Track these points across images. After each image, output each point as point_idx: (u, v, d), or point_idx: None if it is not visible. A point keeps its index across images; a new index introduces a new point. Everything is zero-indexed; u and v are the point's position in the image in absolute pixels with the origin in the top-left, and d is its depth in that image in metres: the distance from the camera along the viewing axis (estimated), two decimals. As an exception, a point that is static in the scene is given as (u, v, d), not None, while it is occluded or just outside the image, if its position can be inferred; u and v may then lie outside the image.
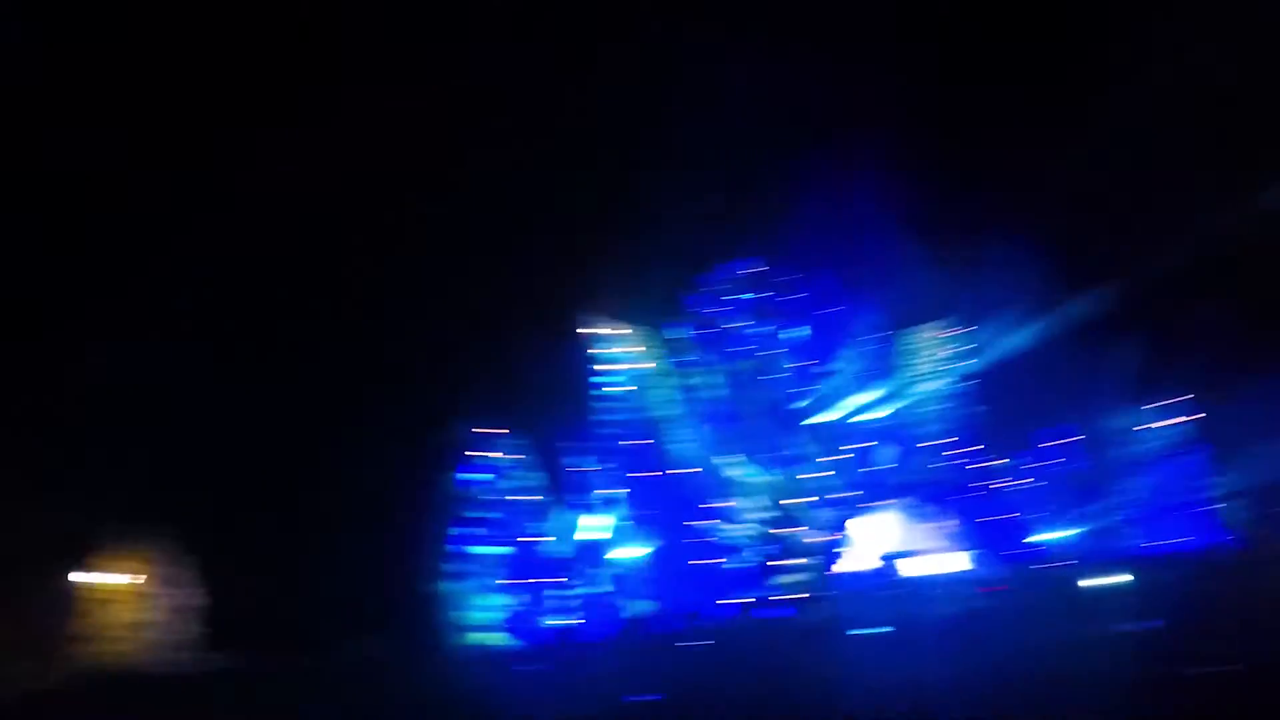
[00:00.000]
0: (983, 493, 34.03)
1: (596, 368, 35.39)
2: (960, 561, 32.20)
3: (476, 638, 28.44)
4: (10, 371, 26.88)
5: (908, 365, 39.02)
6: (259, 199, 31.07)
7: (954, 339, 38.82)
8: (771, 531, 33.79)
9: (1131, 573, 24.03)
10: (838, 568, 32.29)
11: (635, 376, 35.63)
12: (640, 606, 30.19)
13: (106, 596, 26.18)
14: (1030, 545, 32.75)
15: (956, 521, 33.85)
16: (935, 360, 38.15)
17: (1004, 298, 36.60)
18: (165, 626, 26.86)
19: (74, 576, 25.87)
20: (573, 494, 34.44)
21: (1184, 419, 32.16)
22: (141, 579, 27.19)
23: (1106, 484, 33.99)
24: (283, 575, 28.53)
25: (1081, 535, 33.28)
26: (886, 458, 35.47)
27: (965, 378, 38.41)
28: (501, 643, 28.38)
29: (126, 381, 29.53)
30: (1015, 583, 26.22)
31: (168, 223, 31.86)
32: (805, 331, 39.50)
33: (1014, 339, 36.04)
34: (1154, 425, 32.94)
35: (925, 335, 38.89)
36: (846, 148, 37.94)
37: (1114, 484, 33.90)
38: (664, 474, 34.74)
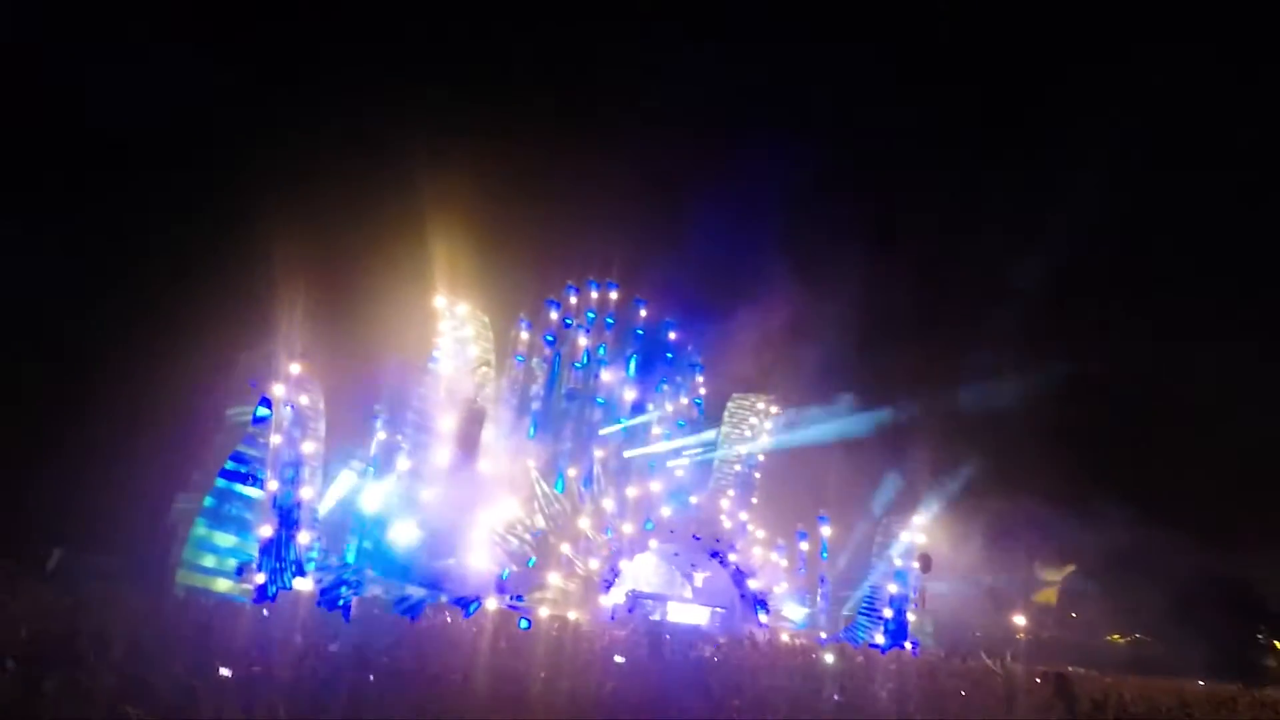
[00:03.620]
0: (745, 560, 36.19)
1: (433, 344, 34.81)
2: (702, 615, 34.09)
3: (201, 578, 26.79)
4: None
5: (723, 424, 40.99)
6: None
7: (772, 415, 41.13)
8: (542, 540, 34.34)
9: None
10: (593, 592, 33.25)
11: (468, 361, 35.33)
12: (385, 584, 29.70)
13: None
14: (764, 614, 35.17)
15: (711, 577, 35.82)
16: (748, 427, 40.30)
17: (827, 393, 39.33)
18: None
19: None
20: (362, 458, 33.58)
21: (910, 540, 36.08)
22: None
23: (843, 580, 37.28)
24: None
25: (807, 619, 36.22)
26: (673, 502, 36.99)
27: (766, 453, 40.72)
28: (227, 589, 26.84)
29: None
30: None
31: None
32: (633, 364, 40.56)
33: (820, 431, 38.76)
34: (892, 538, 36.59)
35: (747, 403, 41.09)
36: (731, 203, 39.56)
37: (849, 582, 37.24)
38: (460, 460, 34.56)
